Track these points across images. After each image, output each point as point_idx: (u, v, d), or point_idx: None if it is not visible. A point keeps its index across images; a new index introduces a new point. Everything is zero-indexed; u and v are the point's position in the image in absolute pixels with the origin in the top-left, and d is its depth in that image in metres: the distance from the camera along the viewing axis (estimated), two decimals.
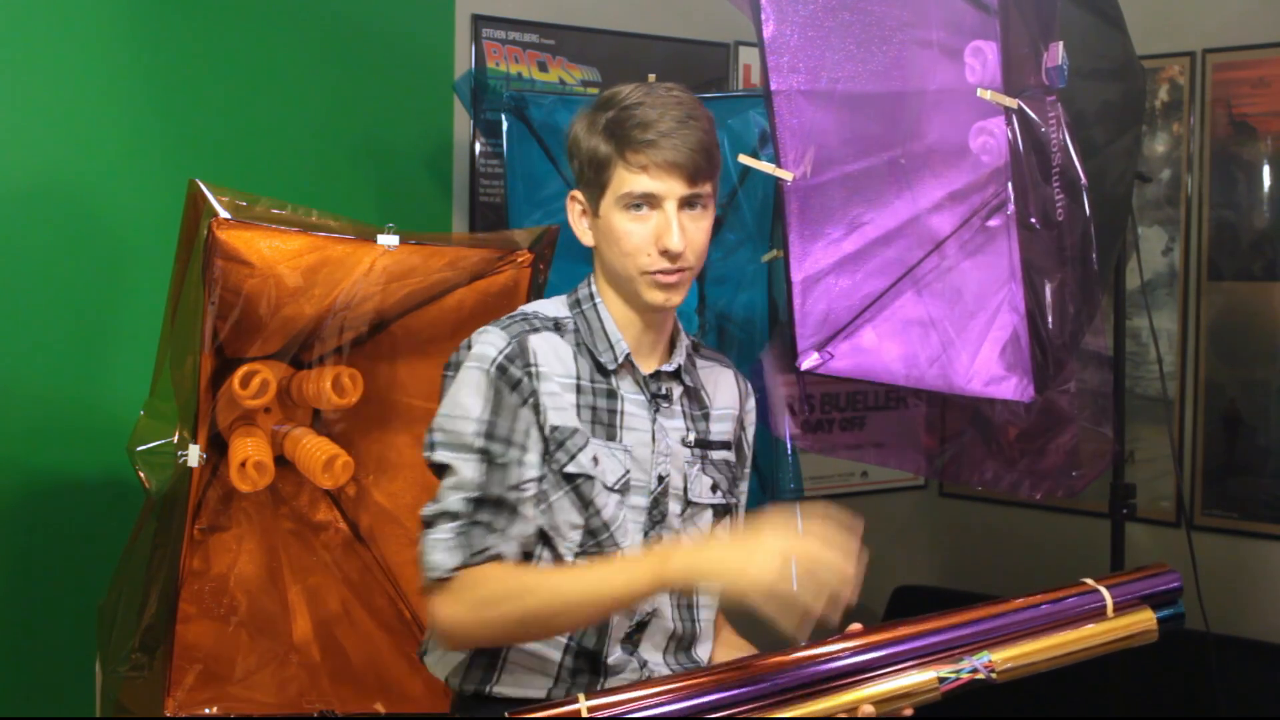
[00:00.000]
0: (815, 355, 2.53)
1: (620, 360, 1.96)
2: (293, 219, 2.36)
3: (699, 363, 2.10)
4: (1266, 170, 3.63)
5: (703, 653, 2.03)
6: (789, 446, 2.98)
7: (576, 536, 1.91)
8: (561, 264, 2.58)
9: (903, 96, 2.46)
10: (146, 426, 2.48)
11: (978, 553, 4.29)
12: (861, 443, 2.89)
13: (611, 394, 1.95)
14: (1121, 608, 1.95)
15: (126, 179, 2.90)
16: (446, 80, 3.35)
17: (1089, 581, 1.97)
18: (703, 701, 1.70)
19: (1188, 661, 3.27)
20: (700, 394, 2.06)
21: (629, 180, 1.89)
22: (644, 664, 1.96)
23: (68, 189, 2.84)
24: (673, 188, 1.89)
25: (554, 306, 2.01)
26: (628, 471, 1.94)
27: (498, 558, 1.85)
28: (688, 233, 1.90)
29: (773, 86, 2.46)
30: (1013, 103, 2.21)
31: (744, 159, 2.62)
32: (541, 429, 1.90)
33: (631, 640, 1.96)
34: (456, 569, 1.83)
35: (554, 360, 1.93)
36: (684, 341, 2.06)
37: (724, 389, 2.11)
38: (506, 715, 1.65)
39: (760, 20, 2.46)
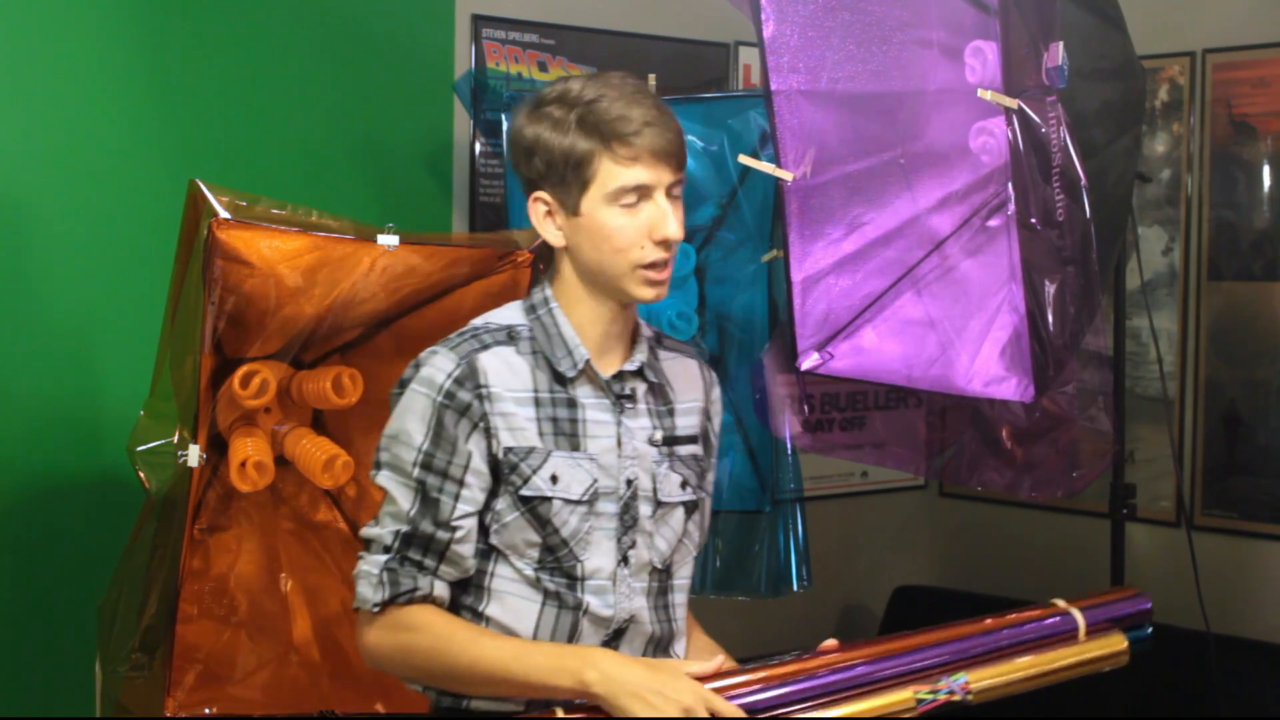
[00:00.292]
0: (815, 355, 2.53)
1: (580, 366, 1.92)
2: (293, 219, 2.36)
3: (662, 355, 2.04)
4: (1266, 170, 3.63)
5: (680, 649, 2.01)
6: (789, 446, 2.98)
7: (534, 554, 1.89)
8: None
9: (903, 96, 2.47)
10: (146, 426, 2.48)
11: (978, 553, 4.29)
12: (861, 443, 2.89)
13: (572, 403, 1.91)
14: (1094, 630, 1.95)
15: (126, 179, 2.90)
16: (446, 80, 3.35)
17: (1060, 603, 1.97)
18: None
19: (1188, 661, 3.27)
20: (665, 389, 2.01)
21: (619, 174, 1.85)
22: None
23: (68, 189, 2.84)
24: (662, 176, 1.87)
25: (508, 314, 1.97)
26: (595, 480, 1.90)
27: (426, 599, 1.86)
28: (678, 220, 1.89)
29: (773, 86, 2.46)
30: (1013, 103, 2.21)
31: (744, 159, 2.62)
32: (494, 455, 1.87)
33: (610, 647, 1.92)
34: (381, 605, 1.85)
35: (508, 376, 1.88)
36: (645, 335, 2.01)
37: (688, 381, 2.05)
38: None
39: (760, 20, 2.46)
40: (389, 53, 3.27)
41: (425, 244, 2.45)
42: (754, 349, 2.94)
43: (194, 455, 2.31)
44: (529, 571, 1.88)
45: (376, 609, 1.86)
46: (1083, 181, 2.24)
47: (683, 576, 2.01)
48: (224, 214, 2.24)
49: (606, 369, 1.95)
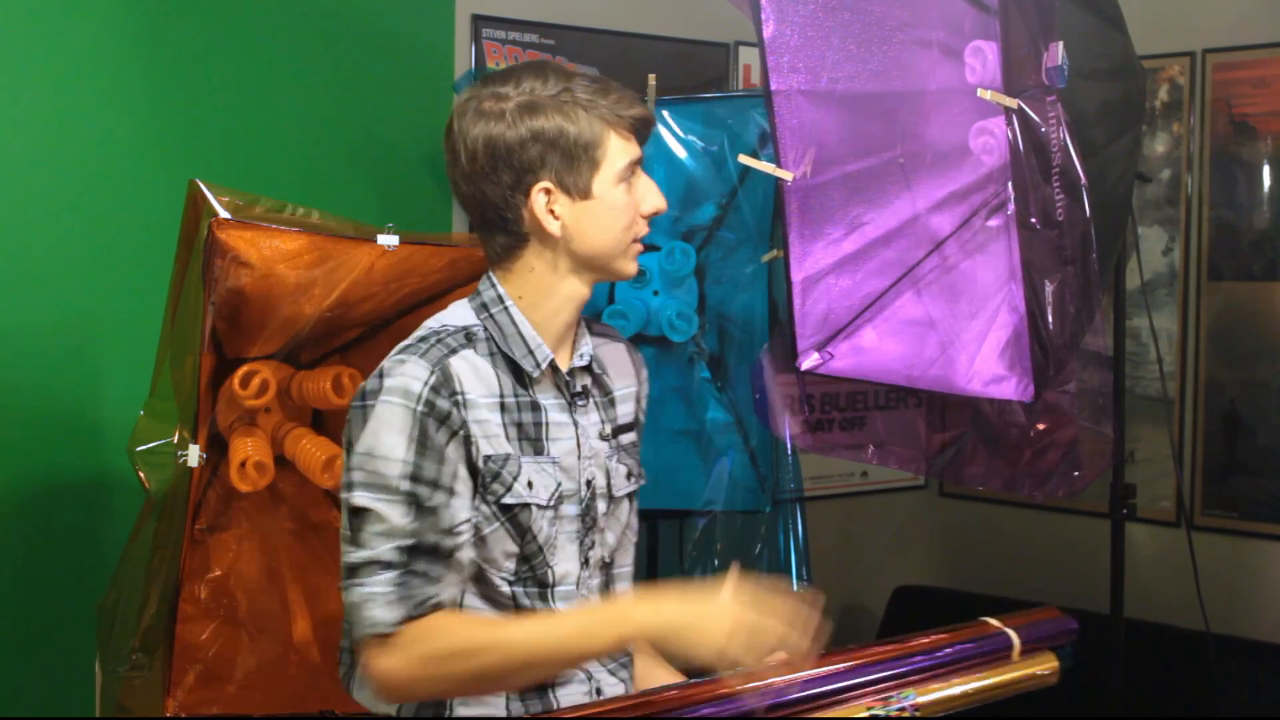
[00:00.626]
0: (815, 355, 2.53)
1: (544, 366, 1.87)
2: (293, 219, 2.36)
3: (594, 342, 1.98)
4: (1266, 170, 3.63)
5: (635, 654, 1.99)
6: (789, 446, 2.98)
7: (511, 565, 1.84)
8: None
9: (903, 96, 2.47)
10: (146, 426, 2.48)
11: (978, 553, 4.29)
12: (861, 443, 2.89)
13: (535, 406, 1.86)
14: (1027, 650, 1.95)
15: (126, 179, 2.90)
16: (446, 80, 3.35)
17: (993, 622, 1.96)
18: None
19: (1188, 661, 3.27)
20: (603, 379, 1.98)
21: (624, 149, 1.85)
22: (590, 675, 1.90)
23: (68, 189, 2.84)
24: (641, 150, 1.89)
25: (459, 313, 1.89)
26: (559, 484, 1.86)
27: (440, 607, 1.77)
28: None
29: (773, 86, 2.46)
30: (1013, 103, 2.21)
31: (744, 159, 2.62)
32: (474, 463, 1.80)
33: None
34: (399, 623, 1.74)
35: (476, 382, 1.81)
36: (581, 323, 1.97)
37: (620, 367, 2.01)
38: None
39: (760, 20, 2.46)
40: (389, 52, 3.27)
41: (425, 244, 2.45)
42: (754, 349, 2.94)
43: (194, 455, 2.31)
44: (504, 587, 1.84)
45: (395, 628, 1.75)
46: (1083, 181, 2.24)
47: (623, 565, 1.99)
48: (224, 214, 2.24)
49: (562, 365, 1.91)
